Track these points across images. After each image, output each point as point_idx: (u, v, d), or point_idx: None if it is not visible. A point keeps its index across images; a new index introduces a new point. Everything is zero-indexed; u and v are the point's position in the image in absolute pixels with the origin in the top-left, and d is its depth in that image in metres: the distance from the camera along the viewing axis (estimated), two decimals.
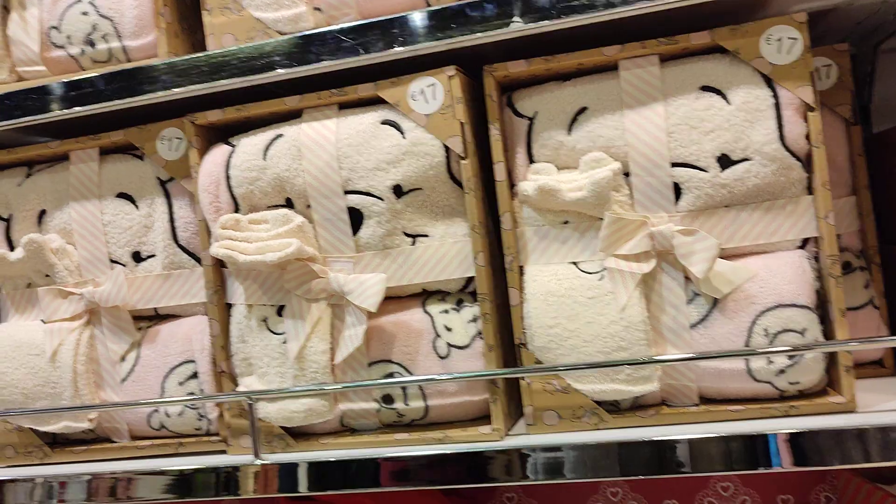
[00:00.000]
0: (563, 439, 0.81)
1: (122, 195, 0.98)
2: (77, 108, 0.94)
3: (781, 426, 0.76)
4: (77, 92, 0.94)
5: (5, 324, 1.01)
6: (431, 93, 0.85)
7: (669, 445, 0.76)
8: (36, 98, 0.95)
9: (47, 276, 0.99)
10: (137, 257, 0.98)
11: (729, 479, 1.26)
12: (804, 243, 0.82)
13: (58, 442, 1.02)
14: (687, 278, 0.82)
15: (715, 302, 0.81)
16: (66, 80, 0.94)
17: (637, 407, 0.86)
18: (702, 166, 0.81)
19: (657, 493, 1.28)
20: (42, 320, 1.00)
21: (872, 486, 1.05)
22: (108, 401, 0.98)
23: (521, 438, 0.84)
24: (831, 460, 0.73)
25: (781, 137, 0.80)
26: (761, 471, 0.75)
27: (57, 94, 0.95)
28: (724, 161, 0.81)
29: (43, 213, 1.01)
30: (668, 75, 0.83)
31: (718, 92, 0.81)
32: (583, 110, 0.85)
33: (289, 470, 0.87)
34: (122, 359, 0.97)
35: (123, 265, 0.98)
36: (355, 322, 0.86)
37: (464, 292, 0.89)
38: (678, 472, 0.76)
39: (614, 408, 0.85)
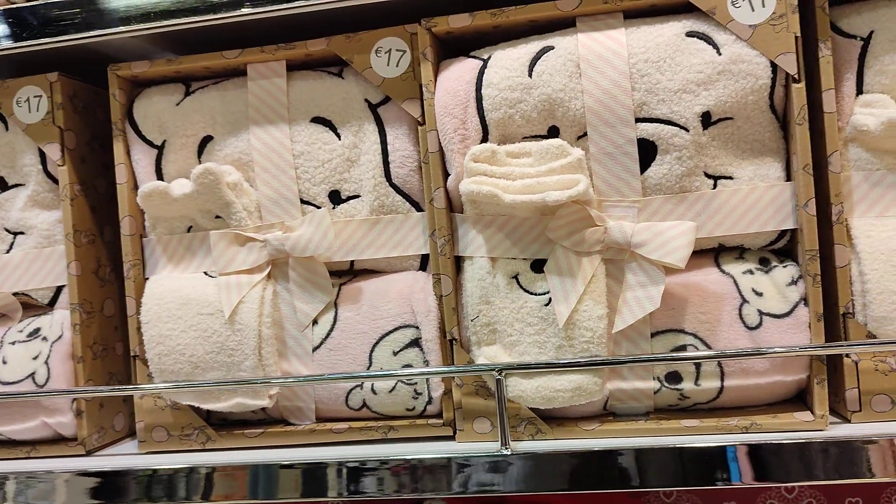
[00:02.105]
0: None
1: (318, 120, 0.79)
2: (261, 9, 0.75)
3: None
4: None
5: (161, 276, 0.81)
6: None
7: None
8: None
9: (218, 217, 0.80)
10: (336, 197, 0.79)
11: None
12: None
13: (211, 423, 0.83)
14: None
15: None
16: None
17: None
18: None
19: (839, 491, 1.14)
20: (205, 272, 0.81)
21: None
22: (290, 373, 0.79)
23: (849, 428, 0.69)
24: None
25: None
26: None
27: None
28: None
29: (207, 139, 0.81)
30: None
31: None
32: None
33: (550, 463, 0.70)
34: (315, 322, 0.79)
35: (318, 206, 0.79)
36: (645, 281, 0.69)
37: (766, 249, 0.73)
38: None
39: None
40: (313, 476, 0.73)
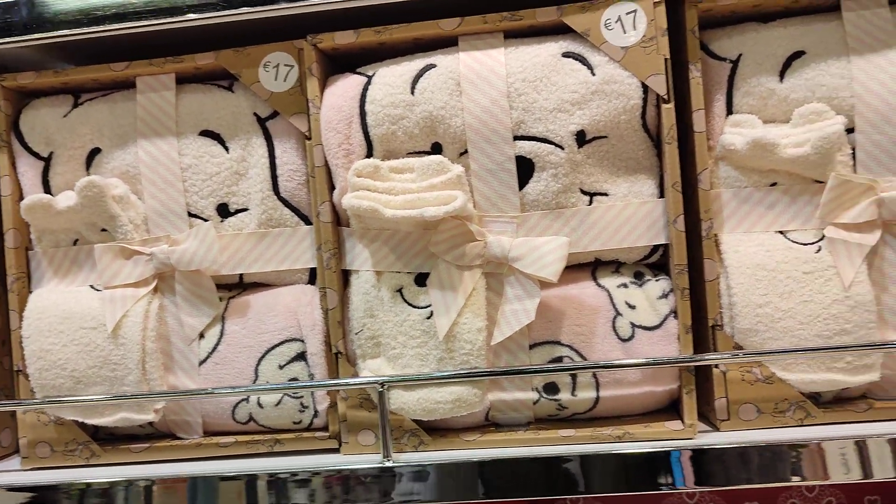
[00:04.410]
0: (772, 437, 0.69)
1: (206, 133, 0.79)
2: (156, 21, 0.75)
3: None
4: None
5: (45, 290, 0.80)
6: (631, 21, 0.71)
7: None
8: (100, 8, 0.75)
9: (104, 230, 0.79)
10: (225, 211, 0.79)
11: None
12: None
13: (99, 438, 0.82)
14: None
15: None
16: None
17: (840, 400, 0.74)
18: None
19: (736, 495, 1.17)
20: (91, 286, 0.80)
21: None
22: (177, 387, 0.78)
23: (717, 436, 0.71)
24: None
25: None
26: None
27: (129, 2, 0.75)
28: None
29: (96, 152, 0.81)
30: None
31: None
32: (798, 55, 0.73)
33: (429, 474, 0.71)
34: (201, 336, 0.78)
35: (205, 220, 0.79)
36: (522, 295, 0.71)
37: (641, 263, 0.75)
38: None
39: (814, 401, 0.74)
40: (249, 488, 0.72)
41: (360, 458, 0.74)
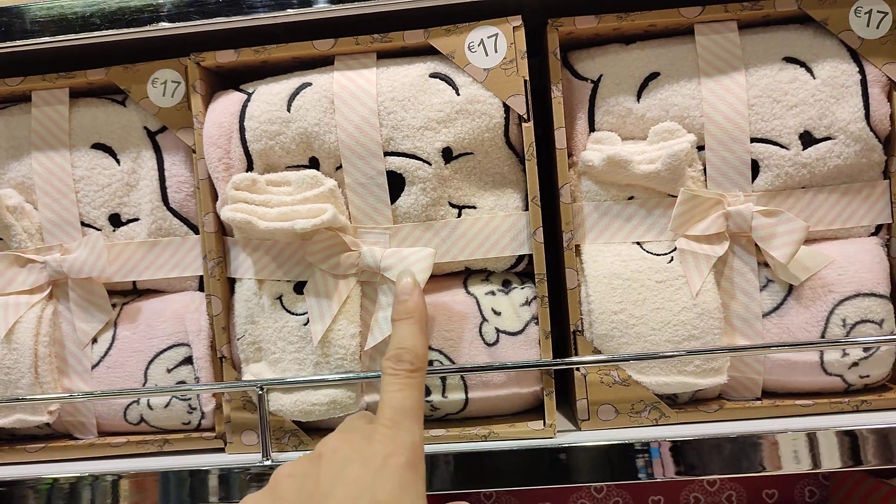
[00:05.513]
0: (627, 435, 0.74)
1: (98, 146, 0.83)
2: (46, 39, 0.78)
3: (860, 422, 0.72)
4: (46, 20, 0.78)
5: None
6: (492, 44, 0.75)
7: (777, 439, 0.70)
8: None
9: (0, 239, 0.82)
10: (116, 221, 0.83)
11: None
12: (877, 230, 0.78)
13: (1, 438, 0.85)
14: (759, 263, 0.76)
15: (790, 290, 0.76)
16: (32, 3, 0.78)
17: (696, 401, 0.79)
18: (783, 143, 0.75)
19: (643, 490, 1.23)
20: None
21: (877, 482, 1.04)
22: (71, 389, 0.82)
23: (576, 435, 0.76)
24: None
25: (867, 116, 0.75)
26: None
27: (19, 19, 0.78)
28: (807, 139, 0.75)
29: None
30: (748, 43, 0.76)
31: (803, 64, 0.76)
32: (654, 76, 0.77)
33: None
34: (94, 341, 0.82)
35: (98, 229, 0.82)
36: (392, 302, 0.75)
37: (510, 272, 0.80)
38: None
39: (671, 402, 0.78)
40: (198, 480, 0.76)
41: (242, 458, 0.78)
